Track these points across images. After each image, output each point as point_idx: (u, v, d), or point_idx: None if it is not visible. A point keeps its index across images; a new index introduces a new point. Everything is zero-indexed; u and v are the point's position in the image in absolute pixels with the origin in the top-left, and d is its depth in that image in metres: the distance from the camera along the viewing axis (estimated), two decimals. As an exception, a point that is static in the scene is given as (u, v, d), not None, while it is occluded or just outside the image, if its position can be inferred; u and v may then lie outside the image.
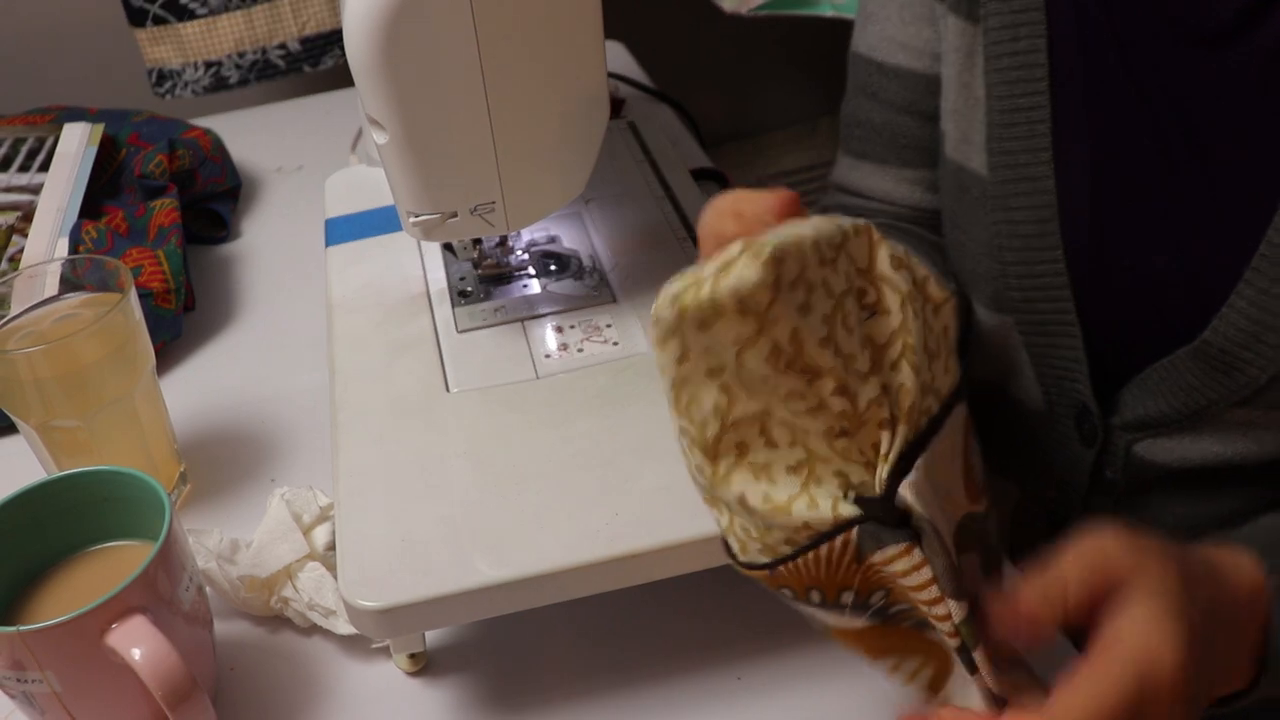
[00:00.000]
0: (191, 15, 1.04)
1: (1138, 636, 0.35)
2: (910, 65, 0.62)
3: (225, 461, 0.65)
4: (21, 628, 0.43)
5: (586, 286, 0.62)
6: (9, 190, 0.81)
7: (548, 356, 0.57)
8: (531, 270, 0.63)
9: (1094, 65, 0.53)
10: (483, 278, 0.63)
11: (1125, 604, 0.36)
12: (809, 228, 0.35)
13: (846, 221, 0.36)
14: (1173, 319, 0.53)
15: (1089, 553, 0.37)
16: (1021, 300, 0.58)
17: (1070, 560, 0.37)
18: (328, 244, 0.68)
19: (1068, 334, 0.57)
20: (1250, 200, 0.49)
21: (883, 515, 0.36)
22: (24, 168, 0.83)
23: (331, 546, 0.55)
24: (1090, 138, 0.54)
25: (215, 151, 0.89)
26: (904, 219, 0.68)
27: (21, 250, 0.75)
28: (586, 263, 0.64)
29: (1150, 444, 0.56)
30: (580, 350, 0.57)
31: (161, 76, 1.08)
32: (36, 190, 0.80)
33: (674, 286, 0.35)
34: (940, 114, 0.61)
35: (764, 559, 0.38)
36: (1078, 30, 0.53)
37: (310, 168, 0.96)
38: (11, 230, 0.77)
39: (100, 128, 0.85)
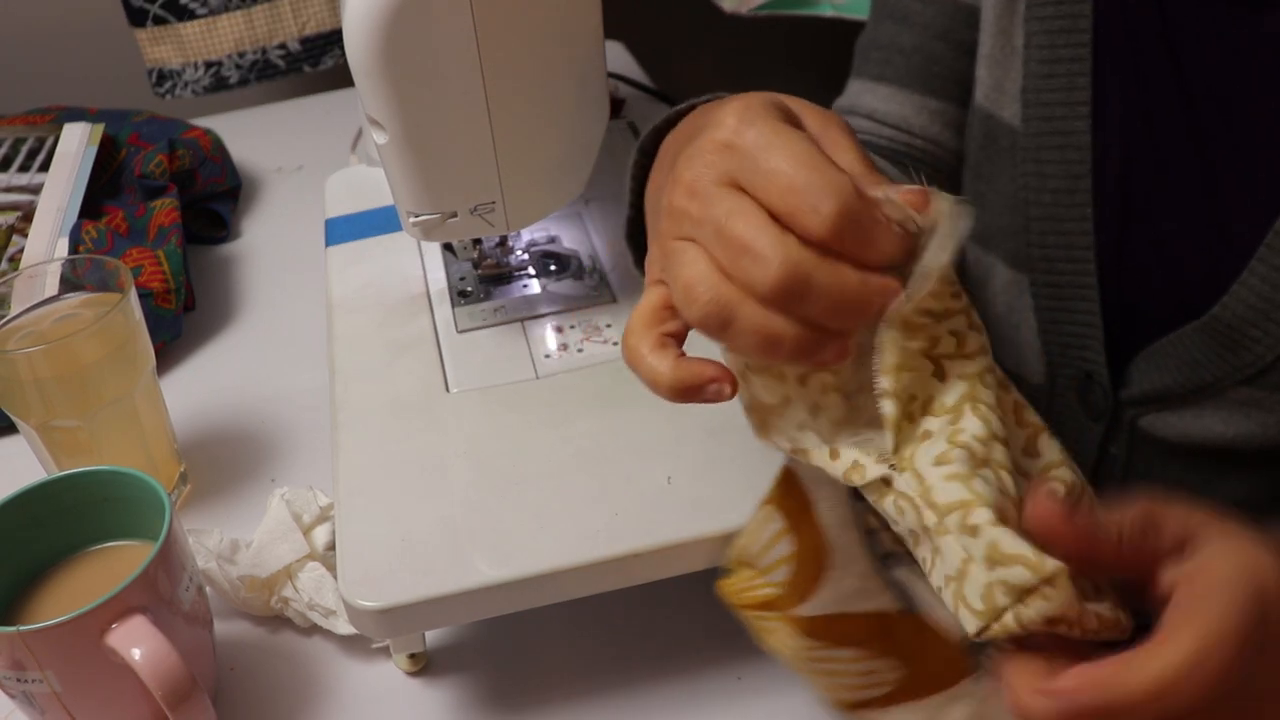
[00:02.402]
0: (191, 15, 1.04)
1: (1230, 555, 0.32)
2: None
3: (225, 461, 0.65)
4: (21, 628, 0.43)
5: (586, 286, 0.62)
6: (9, 190, 0.81)
7: (547, 356, 0.57)
8: (531, 270, 0.63)
9: (1134, 22, 0.52)
10: (483, 278, 0.63)
11: (1199, 545, 0.34)
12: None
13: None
14: (1187, 293, 0.52)
15: (1147, 507, 0.35)
16: (1041, 258, 0.56)
17: (1128, 509, 0.35)
18: (328, 244, 0.68)
19: (1085, 297, 0.55)
20: (1273, 176, 0.49)
21: None
22: (24, 168, 0.83)
23: (331, 546, 0.55)
24: (1125, 97, 0.53)
25: (215, 151, 0.89)
26: (916, 151, 0.65)
27: (21, 250, 0.75)
28: (586, 263, 0.64)
29: (1155, 419, 0.56)
30: (580, 350, 0.57)
31: (161, 76, 1.07)
32: (36, 190, 0.80)
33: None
34: (974, 51, 0.59)
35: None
36: None
37: (310, 168, 0.96)
38: (11, 230, 0.77)
39: (100, 128, 0.85)
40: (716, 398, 0.36)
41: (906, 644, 0.40)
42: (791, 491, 0.39)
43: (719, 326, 0.34)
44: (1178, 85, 0.51)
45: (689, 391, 0.36)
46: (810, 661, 0.40)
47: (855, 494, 0.38)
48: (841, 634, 0.40)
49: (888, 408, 0.35)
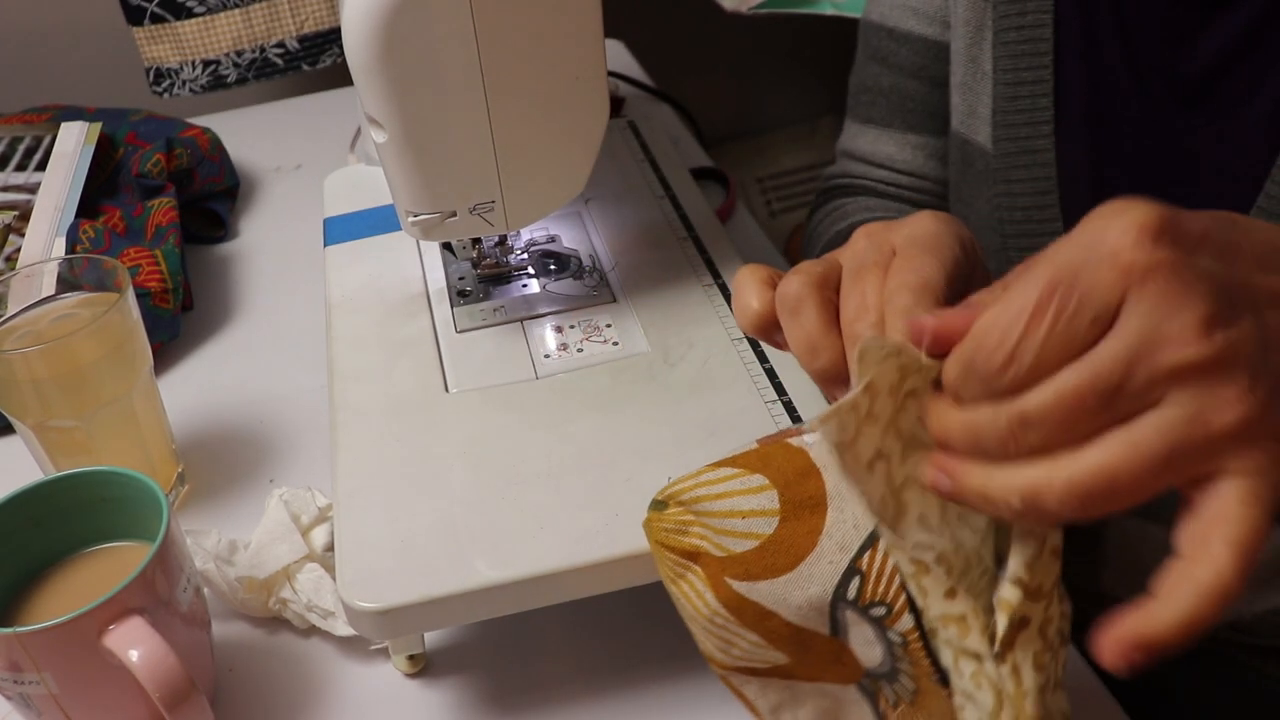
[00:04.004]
0: (189, 13, 1.03)
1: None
2: (920, 31, 0.64)
3: (223, 462, 0.65)
4: (18, 629, 0.43)
5: (586, 286, 0.61)
6: (6, 189, 0.81)
7: (547, 356, 0.57)
8: (531, 270, 0.63)
9: (1095, 41, 0.54)
10: (482, 277, 0.62)
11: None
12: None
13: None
14: None
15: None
16: None
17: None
18: (326, 243, 0.68)
19: None
20: (1242, 177, 0.50)
21: None
22: (21, 166, 0.83)
23: (330, 547, 0.55)
24: (1090, 113, 0.55)
25: (213, 150, 0.88)
26: (905, 187, 0.68)
27: (19, 250, 0.75)
28: (586, 262, 0.63)
29: None
30: (580, 350, 0.57)
31: (159, 75, 1.07)
32: (34, 189, 0.80)
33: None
34: (950, 84, 0.62)
35: None
36: (1081, 7, 0.54)
37: (309, 167, 0.96)
38: (8, 229, 0.77)
39: (98, 126, 0.85)
40: (779, 345, 0.40)
41: (816, 654, 0.40)
42: (805, 483, 0.38)
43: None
44: (1140, 99, 0.52)
45: (763, 326, 0.40)
46: (708, 624, 0.40)
47: (871, 534, 0.38)
48: (758, 623, 0.40)
49: (1011, 594, 0.35)
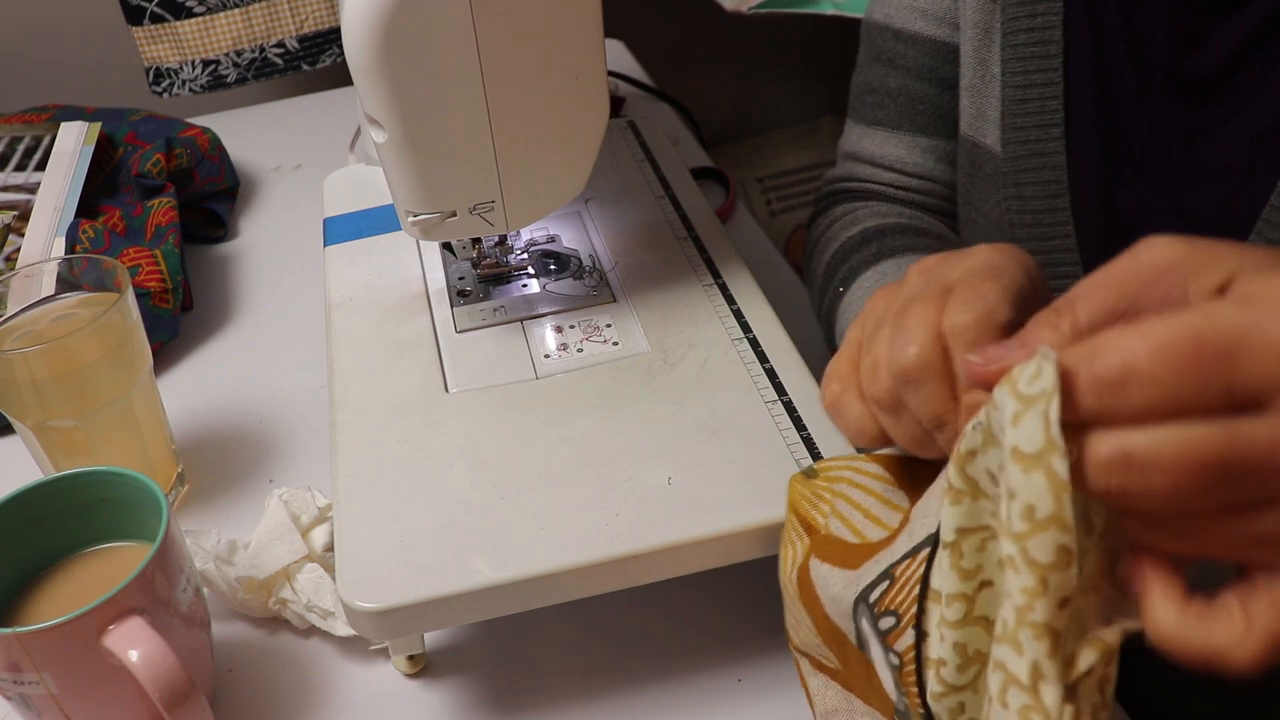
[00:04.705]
0: (189, 13, 1.03)
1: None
2: (929, 32, 0.63)
3: (223, 462, 0.65)
4: (18, 629, 0.43)
5: (586, 286, 0.61)
6: (6, 189, 0.81)
7: (547, 356, 0.56)
8: (531, 270, 0.63)
9: (1104, 43, 0.53)
10: (482, 277, 0.62)
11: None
12: None
13: None
14: None
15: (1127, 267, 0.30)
16: None
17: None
18: (326, 243, 0.68)
19: None
20: (1252, 179, 0.49)
21: None
22: (21, 166, 0.83)
23: (330, 547, 0.55)
24: (1100, 116, 0.54)
25: (213, 150, 0.88)
26: (914, 190, 0.68)
27: (18, 250, 0.75)
28: (586, 262, 0.63)
29: None
30: (580, 350, 0.57)
31: (159, 75, 1.07)
32: (33, 189, 0.80)
33: None
34: (958, 86, 0.61)
35: None
36: (1089, 8, 0.53)
37: (309, 167, 0.96)
38: (8, 229, 0.77)
39: (97, 126, 0.85)
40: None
41: (853, 667, 0.40)
42: (915, 498, 0.39)
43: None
44: (1150, 100, 0.52)
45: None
46: (785, 592, 0.42)
47: (932, 544, 0.37)
48: (811, 605, 0.41)
49: (1110, 635, 0.32)
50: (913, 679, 0.36)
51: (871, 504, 0.41)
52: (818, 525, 0.42)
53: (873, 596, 0.38)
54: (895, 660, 0.37)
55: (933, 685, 0.35)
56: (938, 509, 0.36)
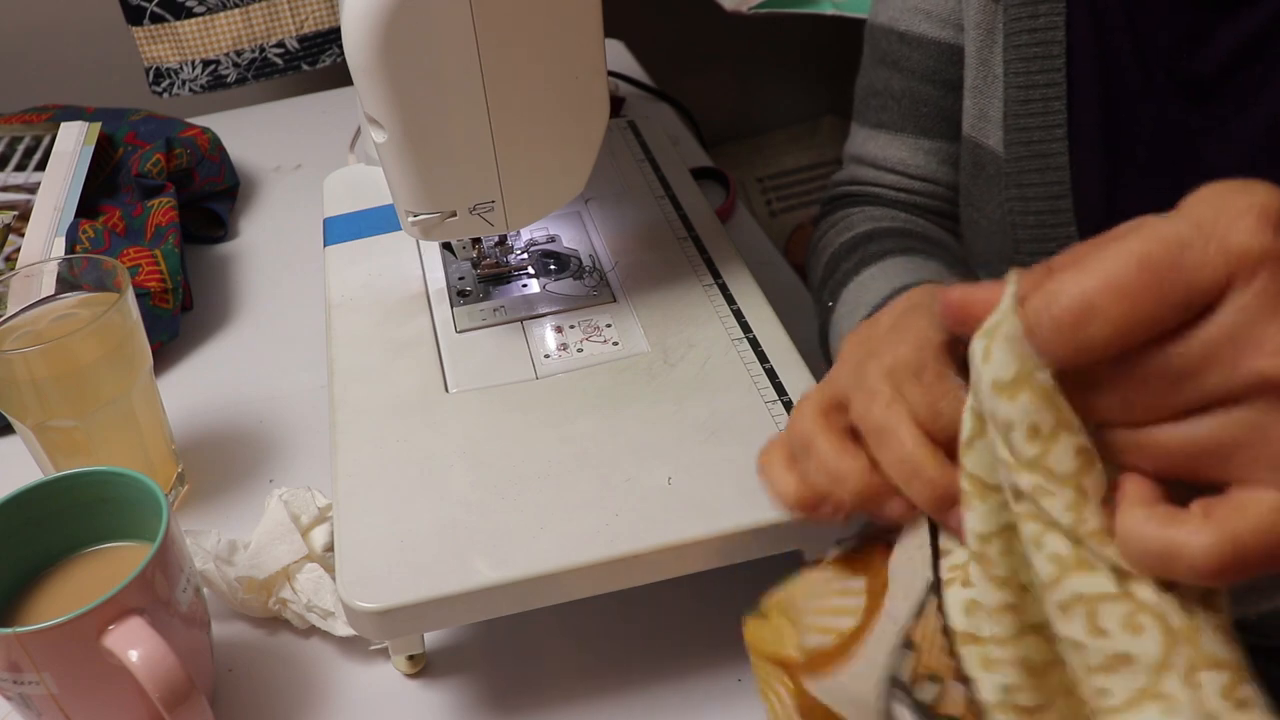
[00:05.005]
0: (189, 13, 1.03)
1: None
2: (933, 34, 0.63)
3: (223, 462, 0.65)
4: (18, 629, 0.43)
5: (586, 286, 0.61)
6: (5, 189, 0.81)
7: (547, 356, 0.56)
8: (531, 270, 0.63)
9: (1107, 45, 0.53)
10: (482, 277, 0.62)
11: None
12: None
13: None
14: None
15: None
16: None
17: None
18: (326, 243, 0.68)
19: None
20: (1257, 179, 0.49)
21: None
22: (21, 166, 0.83)
23: (330, 547, 0.55)
24: (1103, 117, 0.54)
25: (213, 150, 0.88)
26: (916, 193, 0.68)
27: (18, 250, 0.75)
28: (586, 262, 0.63)
29: None
30: (580, 350, 0.57)
31: (159, 75, 1.07)
32: (33, 189, 0.80)
33: None
34: (962, 87, 0.61)
35: None
36: (1092, 9, 0.53)
37: (309, 167, 0.96)
38: (8, 229, 0.77)
39: (97, 126, 0.85)
40: (833, 514, 0.37)
41: None
42: (880, 577, 0.37)
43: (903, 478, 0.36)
44: (1154, 100, 0.52)
45: (807, 507, 0.38)
46: None
47: (926, 596, 0.35)
48: None
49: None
50: None
51: (832, 600, 0.39)
52: (793, 656, 0.39)
53: (902, 672, 0.35)
54: None
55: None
56: (919, 560, 0.35)
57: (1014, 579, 0.33)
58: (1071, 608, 0.30)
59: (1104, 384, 0.29)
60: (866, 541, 0.39)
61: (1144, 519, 0.28)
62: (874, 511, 0.37)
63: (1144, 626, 0.29)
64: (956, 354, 0.37)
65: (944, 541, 0.35)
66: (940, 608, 0.34)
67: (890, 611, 0.36)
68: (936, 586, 0.35)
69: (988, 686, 0.33)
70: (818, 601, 0.39)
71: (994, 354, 0.30)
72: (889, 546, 0.38)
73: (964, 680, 0.33)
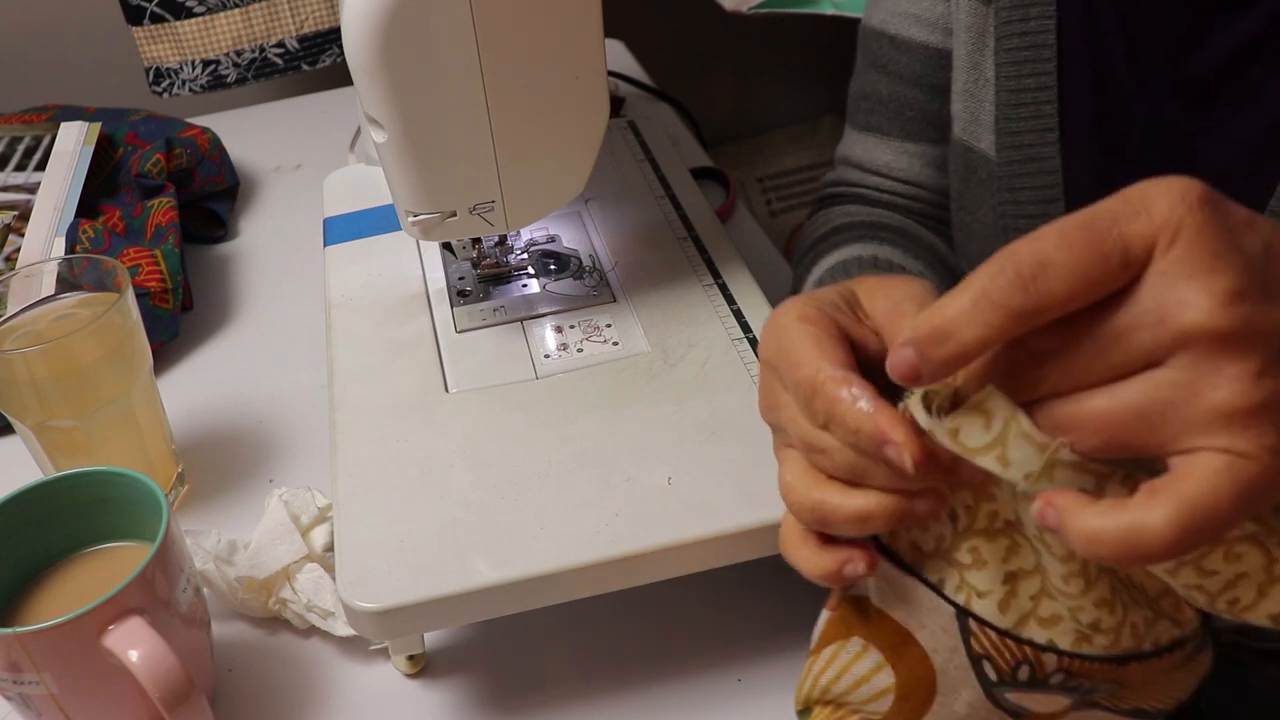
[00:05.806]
0: (189, 13, 1.03)
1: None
2: (922, 38, 0.63)
3: (223, 462, 0.65)
4: (18, 629, 0.43)
5: (586, 286, 0.61)
6: (5, 189, 0.81)
7: (547, 356, 0.56)
8: (531, 270, 0.63)
9: (1099, 48, 0.53)
10: (482, 277, 0.62)
11: None
12: None
13: None
14: None
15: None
16: None
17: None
18: (326, 243, 0.68)
19: None
20: (1250, 181, 0.49)
21: None
22: (20, 166, 0.83)
23: (330, 547, 0.55)
24: (1096, 119, 0.54)
25: (213, 150, 0.88)
26: (900, 195, 0.68)
27: (18, 250, 0.75)
28: (586, 262, 0.63)
29: None
30: (580, 350, 0.57)
31: (159, 75, 1.07)
32: (33, 189, 0.80)
33: None
34: (950, 90, 0.61)
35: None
36: (1084, 11, 0.53)
37: (309, 167, 0.96)
38: (8, 229, 0.77)
39: (97, 126, 0.85)
40: (853, 576, 0.37)
41: None
42: (884, 625, 0.39)
43: (816, 524, 0.37)
44: (1146, 103, 0.52)
45: (832, 577, 0.38)
46: None
47: (961, 621, 0.37)
48: None
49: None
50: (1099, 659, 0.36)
51: (857, 669, 0.40)
52: None
53: (993, 677, 0.37)
54: (1061, 678, 0.36)
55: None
56: (927, 601, 0.37)
57: (1007, 558, 0.36)
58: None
59: (1047, 354, 0.30)
60: (830, 614, 0.41)
61: (1094, 515, 0.29)
62: (909, 519, 0.36)
63: (1240, 555, 0.31)
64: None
65: (929, 575, 0.37)
66: (982, 625, 0.36)
67: (939, 646, 0.38)
68: (961, 613, 0.37)
69: (1061, 638, 0.36)
70: (843, 676, 0.40)
71: (963, 430, 0.31)
72: (853, 604, 0.40)
73: (1039, 652, 0.36)
